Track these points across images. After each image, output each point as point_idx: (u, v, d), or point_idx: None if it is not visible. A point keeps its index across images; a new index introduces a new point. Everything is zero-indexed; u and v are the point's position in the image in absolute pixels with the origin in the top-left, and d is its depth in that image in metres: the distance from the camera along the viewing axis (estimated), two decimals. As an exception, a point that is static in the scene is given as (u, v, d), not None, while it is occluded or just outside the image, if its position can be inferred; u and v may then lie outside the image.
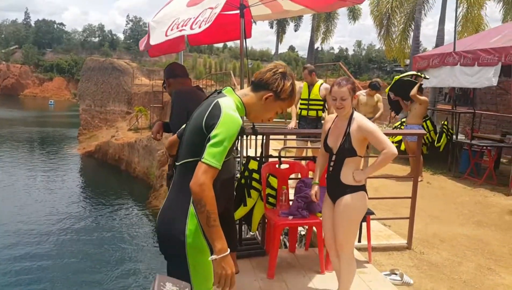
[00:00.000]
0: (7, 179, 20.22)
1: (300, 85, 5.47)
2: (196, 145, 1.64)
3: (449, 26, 32.57)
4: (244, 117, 1.82)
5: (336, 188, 2.53)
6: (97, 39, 76.43)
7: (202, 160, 1.56)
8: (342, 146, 2.47)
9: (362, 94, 6.73)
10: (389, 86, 7.26)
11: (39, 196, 18.10)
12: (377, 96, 6.75)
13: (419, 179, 4.15)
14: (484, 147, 6.89)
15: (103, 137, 26.46)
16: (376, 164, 2.47)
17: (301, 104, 5.56)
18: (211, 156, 1.56)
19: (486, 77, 6.28)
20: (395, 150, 2.44)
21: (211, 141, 1.57)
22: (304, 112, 5.56)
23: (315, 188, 2.73)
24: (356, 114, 2.52)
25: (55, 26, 77.64)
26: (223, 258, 1.55)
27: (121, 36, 79.61)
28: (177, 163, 1.76)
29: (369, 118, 4.04)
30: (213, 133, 1.58)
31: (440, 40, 13.51)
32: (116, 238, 13.92)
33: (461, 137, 7.88)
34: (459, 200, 5.74)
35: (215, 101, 1.66)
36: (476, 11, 14.62)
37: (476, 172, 6.90)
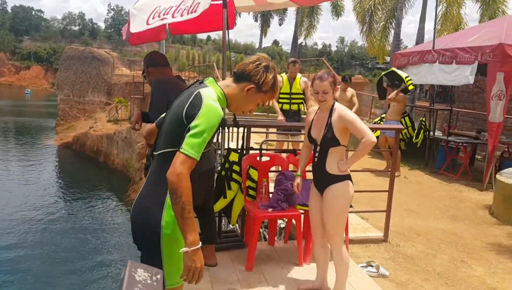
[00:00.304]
0: (-20, 169, 19.63)
1: (280, 79, 5.45)
2: (175, 135, 1.61)
3: (430, 25, 33.12)
4: (226, 110, 1.81)
5: (322, 179, 2.58)
6: (77, 28, 74.68)
7: (181, 150, 1.54)
8: (325, 136, 2.52)
9: None
10: (386, 72, 7.28)
11: (14, 187, 17.63)
12: (351, 90, 6.81)
13: (396, 174, 4.23)
14: (460, 144, 7.08)
15: (81, 128, 25.87)
16: (357, 153, 2.53)
17: (282, 98, 5.53)
18: (190, 146, 1.54)
19: (464, 75, 6.42)
20: (374, 138, 2.49)
21: (191, 132, 1.55)
22: (286, 106, 5.54)
23: (297, 179, 2.76)
24: (337, 105, 2.57)
25: (33, 12, 75.43)
26: (194, 251, 1.53)
27: (102, 25, 78.27)
28: (155, 153, 1.73)
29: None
30: (193, 123, 1.56)
31: (420, 38, 13.74)
32: (93, 230, 13.72)
33: (438, 133, 8.05)
34: (435, 195, 5.89)
35: (197, 91, 1.64)
36: (455, 11, 14.94)
37: (452, 167, 7.09)
